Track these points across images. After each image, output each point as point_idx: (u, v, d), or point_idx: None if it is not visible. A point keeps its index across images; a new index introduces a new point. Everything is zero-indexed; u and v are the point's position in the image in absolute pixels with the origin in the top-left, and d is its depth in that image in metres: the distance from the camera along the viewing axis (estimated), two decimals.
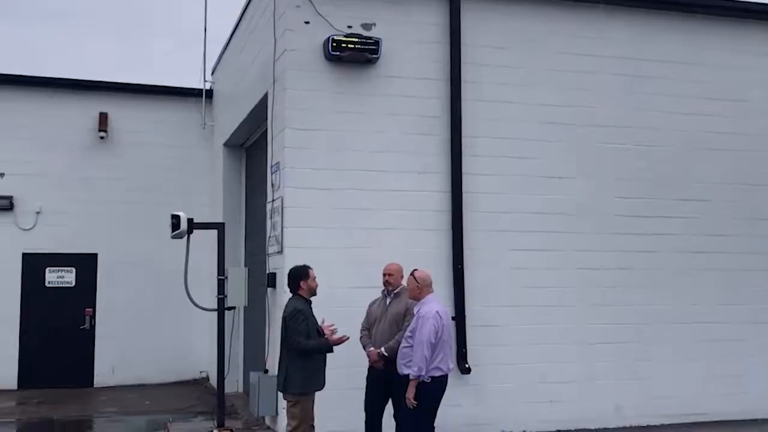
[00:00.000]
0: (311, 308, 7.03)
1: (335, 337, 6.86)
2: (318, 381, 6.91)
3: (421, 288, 7.01)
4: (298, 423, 6.79)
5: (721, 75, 10.29)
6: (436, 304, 6.95)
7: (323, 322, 6.93)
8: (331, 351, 6.93)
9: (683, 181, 10.00)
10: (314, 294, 7.11)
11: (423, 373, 6.68)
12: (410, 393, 6.72)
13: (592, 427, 9.26)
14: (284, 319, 6.89)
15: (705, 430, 9.40)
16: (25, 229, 13.02)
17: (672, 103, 10.03)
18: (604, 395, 9.38)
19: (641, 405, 9.49)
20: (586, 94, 9.74)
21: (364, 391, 7.58)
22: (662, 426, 9.44)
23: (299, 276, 7.04)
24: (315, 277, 7.09)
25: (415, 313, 6.98)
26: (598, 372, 9.39)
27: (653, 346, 9.63)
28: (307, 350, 6.75)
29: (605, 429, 9.28)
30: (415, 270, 7.16)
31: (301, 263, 7.27)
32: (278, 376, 7.02)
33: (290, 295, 7.13)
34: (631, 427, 9.39)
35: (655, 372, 9.60)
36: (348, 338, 7.01)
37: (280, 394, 7.31)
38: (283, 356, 6.93)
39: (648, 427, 9.41)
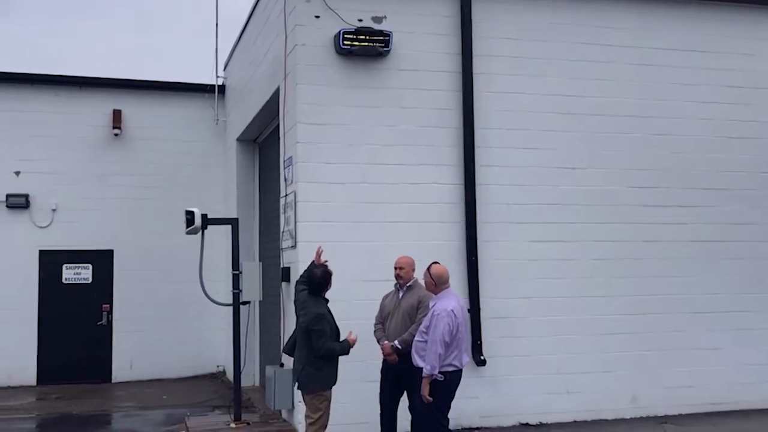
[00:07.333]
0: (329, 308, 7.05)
1: (353, 337, 6.92)
2: (335, 377, 6.96)
3: (436, 284, 6.99)
4: (322, 414, 6.83)
5: (738, 63, 10.17)
6: (452, 301, 6.90)
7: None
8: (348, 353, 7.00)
9: (700, 170, 9.91)
10: None
11: (436, 372, 6.67)
12: (425, 390, 6.71)
13: (609, 418, 9.22)
14: (308, 322, 6.85)
15: (725, 419, 9.31)
16: (41, 227, 13.12)
17: (687, 92, 9.94)
18: (621, 385, 9.34)
19: (658, 395, 9.44)
20: (599, 84, 9.66)
21: (378, 384, 7.61)
22: (680, 416, 9.37)
23: (325, 284, 6.98)
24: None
25: (429, 307, 6.96)
26: (615, 362, 9.34)
27: (671, 335, 9.56)
28: (333, 353, 6.81)
29: (622, 419, 9.24)
30: (432, 264, 7.13)
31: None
32: (295, 371, 7.00)
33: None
34: (648, 417, 9.32)
35: (673, 362, 9.53)
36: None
37: (296, 388, 7.31)
38: (304, 355, 6.89)
39: (666, 416, 9.34)
